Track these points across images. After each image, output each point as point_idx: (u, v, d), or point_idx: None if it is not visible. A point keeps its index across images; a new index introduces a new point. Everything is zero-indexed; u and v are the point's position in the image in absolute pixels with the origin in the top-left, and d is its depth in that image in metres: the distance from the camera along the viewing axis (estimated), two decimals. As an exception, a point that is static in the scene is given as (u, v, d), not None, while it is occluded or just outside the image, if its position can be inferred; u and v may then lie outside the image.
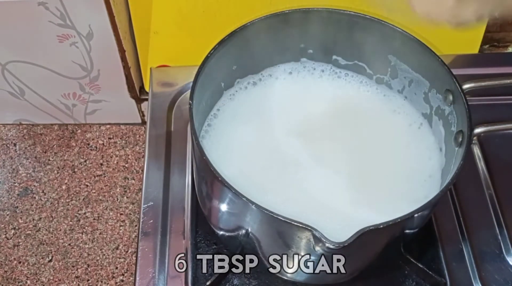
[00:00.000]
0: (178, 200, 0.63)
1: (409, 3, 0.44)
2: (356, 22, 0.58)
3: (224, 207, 0.52)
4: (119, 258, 0.76)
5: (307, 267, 0.54)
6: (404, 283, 0.59)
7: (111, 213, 0.79)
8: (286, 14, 0.58)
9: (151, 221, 0.62)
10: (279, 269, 0.57)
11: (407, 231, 0.53)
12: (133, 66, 0.77)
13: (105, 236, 0.77)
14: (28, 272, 0.75)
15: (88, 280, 0.74)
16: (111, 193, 0.80)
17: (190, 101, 0.50)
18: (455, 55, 0.76)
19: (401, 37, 0.57)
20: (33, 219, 0.78)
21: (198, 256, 0.60)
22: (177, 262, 0.59)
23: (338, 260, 0.52)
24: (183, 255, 0.60)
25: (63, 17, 0.68)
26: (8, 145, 0.85)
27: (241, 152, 0.60)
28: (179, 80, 0.73)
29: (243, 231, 0.53)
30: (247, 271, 0.59)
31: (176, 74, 0.75)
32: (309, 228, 0.43)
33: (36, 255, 0.76)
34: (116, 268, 0.75)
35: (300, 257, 0.51)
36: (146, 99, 0.79)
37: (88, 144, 0.85)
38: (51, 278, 0.74)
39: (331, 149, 0.61)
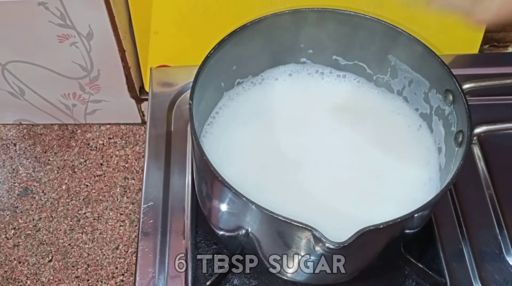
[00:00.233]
0: (178, 200, 0.63)
1: None
2: (356, 22, 0.58)
3: (224, 207, 0.52)
4: (119, 258, 0.76)
5: (307, 267, 0.54)
6: (404, 283, 0.59)
7: (111, 213, 0.79)
8: (286, 14, 0.58)
9: (151, 221, 0.62)
10: (279, 269, 0.57)
11: (407, 231, 0.53)
12: (133, 66, 0.77)
13: (105, 236, 0.77)
14: (28, 272, 0.75)
15: (88, 280, 0.74)
16: (111, 193, 0.80)
17: (190, 101, 0.50)
18: (455, 55, 0.76)
19: (401, 37, 0.57)
20: (33, 219, 0.78)
21: (198, 256, 0.60)
22: (177, 262, 0.59)
23: (338, 260, 0.52)
24: (183, 255, 0.60)
25: (63, 17, 0.68)
26: (8, 145, 0.85)
27: (241, 152, 0.60)
28: (179, 80, 0.73)
29: (243, 231, 0.53)
30: (247, 271, 0.59)
31: (176, 74, 0.75)
32: (309, 228, 0.43)
33: (36, 255, 0.76)
34: (116, 268, 0.75)
35: (300, 257, 0.51)
36: (146, 99, 0.79)
37: (88, 144, 0.85)
38: (51, 278, 0.74)
39: (331, 149, 0.61)
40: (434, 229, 0.62)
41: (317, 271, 0.55)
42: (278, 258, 0.55)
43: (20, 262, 0.75)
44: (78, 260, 0.75)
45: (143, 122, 0.86)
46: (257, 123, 0.62)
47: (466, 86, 0.53)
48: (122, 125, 0.86)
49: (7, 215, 0.79)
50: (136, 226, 0.78)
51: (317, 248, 0.44)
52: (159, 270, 0.59)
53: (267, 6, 0.70)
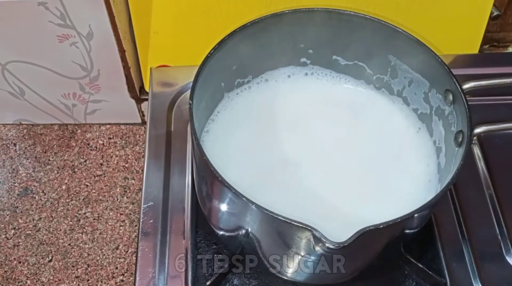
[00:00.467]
0: (178, 200, 0.63)
1: None
2: (356, 22, 0.58)
3: (224, 207, 0.52)
4: (119, 258, 0.76)
5: (307, 267, 0.54)
6: (404, 283, 0.59)
7: (111, 213, 0.79)
8: (286, 14, 0.58)
9: (151, 221, 0.62)
10: (279, 269, 0.57)
11: (407, 231, 0.53)
12: (133, 66, 0.77)
13: (105, 236, 0.77)
14: (28, 272, 0.75)
15: (88, 280, 0.74)
16: (111, 193, 0.80)
17: (190, 101, 0.50)
18: (455, 55, 0.76)
19: (401, 37, 0.57)
20: (33, 219, 0.78)
21: (198, 256, 0.60)
22: (177, 262, 0.59)
23: (338, 260, 0.52)
24: (183, 255, 0.60)
25: (63, 17, 0.68)
26: (8, 145, 0.85)
27: (241, 153, 0.60)
28: (179, 80, 0.73)
29: (243, 231, 0.53)
30: (247, 271, 0.59)
31: (176, 74, 0.75)
32: (309, 228, 0.43)
33: (36, 255, 0.76)
34: (116, 268, 0.75)
35: (300, 257, 0.51)
36: (146, 99, 0.79)
37: (88, 144, 0.85)
38: (51, 278, 0.74)
39: (330, 150, 0.61)
40: (434, 229, 0.62)
41: (317, 271, 0.55)
42: (278, 258, 0.55)
43: (20, 262, 0.75)
44: (78, 260, 0.75)
45: (143, 122, 0.86)
46: (257, 124, 0.62)
47: (466, 86, 0.53)
48: (122, 125, 0.86)
49: (7, 215, 0.79)
50: (136, 226, 0.78)
51: (317, 248, 0.44)
52: (159, 270, 0.59)
53: (267, 6, 0.70)
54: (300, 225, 0.44)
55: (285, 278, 0.58)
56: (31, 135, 0.86)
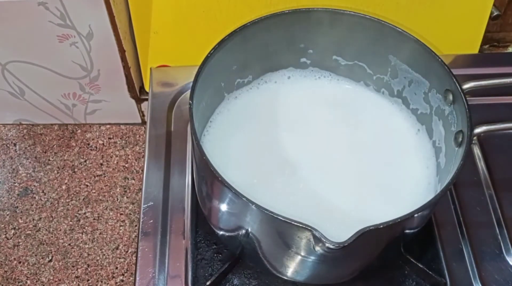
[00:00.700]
0: (178, 200, 0.63)
1: None
2: (356, 22, 0.58)
3: (224, 207, 0.52)
4: (119, 258, 0.76)
5: (307, 267, 0.54)
6: (404, 283, 0.59)
7: (111, 213, 0.79)
8: (286, 14, 0.58)
9: (151, 221, 0.62)
10: (279, 269, 0.57)
11: (407, 231, 0.53)
12: (133, 66, 0.77)
13: (105, 236, 0.77)
14: (28, 272, 0.75)
15: (88, 280, 0.74)
16: (111, 193, 0.80)
17: (190, 101, 0.50)
18: (455, 55, 0.76)
19: (401, 37, 0.57)
20: (33, 219, 0.78)
21: (198, 256, 0.60)
22: (177, 262, 0.59)
23: (338, 260, 0.52)
24: (183, 255, 0.60)
25: (63, 17, 0.68)
26: (8, 145, 0.85)
27: (241, 153, 0.60)
28: (179, 80, 0.73)
29: (243, 231, 0.53)
30: (247, 271, 0.59)
31: (176, 74, 0.75)
32: (309, 228, 0.43)
33: (36, 255, 0.76)
34: (116, 268, 0.75)
35: (300, 257, 0.51)
36: (146, 99, 0.79)
37: (88, 144, 0.85)
38: (51, 278, 0.74)
39: (330, 151, 0.61)
40: (434, 229, 0.62)
41: (317, 271, 0.55)
42: (278, 258, 0.55)
43: (20, 262, 0.75)
44: (78, 260, 0.75)
45: (143, 122, 0.86)
46: (257, 124, 0.62)
47: (466, 86, 0.53)
48: (122, 125, 0.86)
49: (7, 215, 0.79)
50: (136, 226, 0.78)
51: (317, 248, 0.44)
52: (159, 270, 0.59)
53: (267, 6, 0.70)
54: (300, 225, 0.44)
55: (285, 278, 0.58)
56: (31, 135, 0.86)
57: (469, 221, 0.62)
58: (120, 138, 0.85)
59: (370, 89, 0.65)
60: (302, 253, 0.50)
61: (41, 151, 0.84)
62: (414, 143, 0.61)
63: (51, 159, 0.83)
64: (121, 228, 0.78)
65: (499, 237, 0.61)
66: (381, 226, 0.44)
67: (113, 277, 0.74)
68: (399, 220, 0.45)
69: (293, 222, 0.44)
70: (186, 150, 0.68)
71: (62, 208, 0.79)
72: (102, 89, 0.80)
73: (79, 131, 0.86)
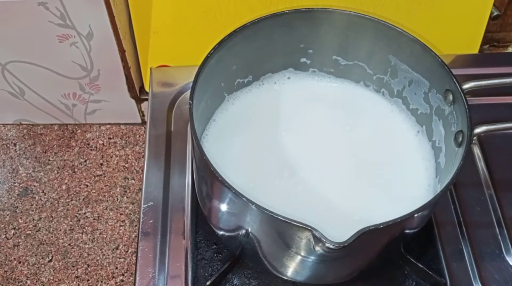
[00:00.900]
0: (178, 200, 0.63)
1: None
2: (356, 22, 0.58)
3: (224, 207, 0.52)
4: (119, 258, 0.76)
5: (307, 267, 0.54)
6: (404, 283, 0.59)
7: (111, 213, 0.79)
8: (286, 14, 0.58)
9: (151, 221, 0.62)
10: (279, 269, 0.57)
11: (407, 231, 0.53)
12: (133, 66, 0.77)
13: (105, 236, 0.77)
14: (28, 272, 0.75)
15: (88, 280, 0.74)
16: (111, 193, 0.80)
17: (190, 101, 0.50)
18: (455, 55, 0.76)
19: (401, 37, 0.57)
20: (33, 219, 0.78)
21: (198, 256, 0.60)
22: (177, 262, 0.59)
23: (338, 260, 0.52)
24: (183, 255, 0.60)
25: (63, 17, 0.68)
26: (8, 145, 0.85)
27: (241, 153, 0.60)
28: (179, 80, 0.73)
29: (243, 231, 0.53)
30: (247, 271, 0.59)
31: (176, 74, 0.75)
32: (309, 228, 0.43)
33: (36, 255, 0.76)
34: (116, 268, 0.75)
35: (300, 257, 0.51)
36: (146, 99, 0.79)
37: (88, 144, 0.85)
38: (51, 278, 0.74)
39: (330, 151, 0.61)
40: (434, 229, 0.62)
41: (317, 271, 0.55)
42: (278, 258, 0.55)
43: (20, 262, 0.75)
44: (78, 260, 0.75)
45: (143, 122, 0.86)
46: (257, 124, 0.62)
47: (466, 86, 0.53)
48: (122, 125, 0.86)
49: (7, 215, 0.79)
50: (136, 226, 0.78)
51: (317, 248, 0.44)
52: (159, 270, 0.59)
53: (267, 6, 0.70)
54: (300, 225, 0.44)
55: (285, 278, 0.58)
56: (31, 135, 0.86)
57: (469, 221, 0.62)
58: (120, 138, 0.85)
59: (370, 89, 0.65)
60: (302, 253, 0.50)
61: (41, 151, 0.84)
62: (414, 144, 0.61)
63: (51, 159, 0.83)
64: (121, 228, 0.78)
65: (499, 237, 0.61)
66: (381, 226, 0.44)
67: (113, 277, 0.74)
68: (399, 220, 0.45)
69: (293, 222, 0.44)
70: (186, 150, 0.68)
71: (62, 208, 0.79)
72: (102, 89, 0.80)
73: (79, 131, 0.86)
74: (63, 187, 0.81)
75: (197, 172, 0.59)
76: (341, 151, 0.61)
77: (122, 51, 0.73)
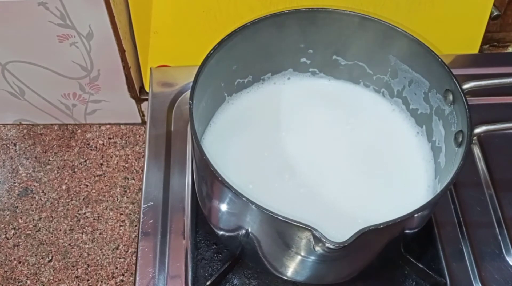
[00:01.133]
0: (178, 200, 0.63)
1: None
2: (356, 22, 0.58)
3: (224, 207, 0.52)
4: (119, 258, 0.76)
5: (307, 267, 0.54)
6: (404, 283, 0.59)
7: (111, 213, 0.79)
8: (286, 14, 0.58)
9: (151, 221, 0.62)
10: (279, 269, 0.57)
11: (407, 231, 0.53)
12: (133, 66, 0.77)
13: (105, 236, 0.77)
14: (28, 272, 0.75)
15: (88, 280, 0.74)
16: (111, 193, 0.80)
17: (190, 101, 0.50)
18: (455, 55, 0.76)
19: (401, 37, 0.57)
20: (33, 219, 0.78)
21: (198, 256, 0.60)
22: (177, 262, 0.59)
23: (338, 260, 0.52)
24: (183, 255, 0.60)
25: (63, 17, 0.68)
26: (8, 145, 0.85)
27: (241, 153, 0.60)
28: (179, 80, 0.73)
29: (243, 231, 0.53)
30: (247, 271, 0.59)
31: (176, 74, 0.75)
32: (309, 228, 0.43)
33: (36, 255, 0.76)
34: (116, 268, 0.75)
35: (300, 257, 0.51)
36: (146, 99, 0.79)
37: (88, 144, 0.85)
38: (51, 278, 0.74)
39: (330, 151, 0.61)
40: (434, 229, 0.62)
41: (317, 271, 0.55)
42: (278, 258, 0.55)
43: (20, 262, 0.75)
44: (78, 260, 0.75)
45: (143, 122, 0.86)
46: (257, 124, 0.62)
47: (466, 86, 0.53)
48: (122, 125, 0.86)
49: (7, 215, 0.79)
50: (136, 226, 0.78)
51: (317, 248, 0.44)
52: (159, 270, 0.59)
53: (267, 6, 0.70)
54: (300, 225, 0.44)
55: (285, 278, 0.58)
56: (31, 135, 0.86)
57: (469, 221, 0.62)
58: (120, 138, 0.85)
59: (370, 89, 0.65)
60: (302, 253, 0.50)
61: (41, 151, 0.84)
62: (414, 144, 0.61)
63: (51, 159, 0.83)
64: (121, 228, 0.78)
65: (499, 237, 0.61)
66: (381, 226, 0.44)
67: (113, 277, 0.74)
68: (399, 220, 0.45)
69: (293, 222, 0.44)
70: (186, 150, 0.68)
71: (62, 208, 0.79)
72: (102, 89, 0.80)
73: (79, 131, 0.86)
74: (63, 187, 0.81)
75: (197, 172, 0.59)
76: (341, 151, 0.61)
77: (122, 51, 0.73)
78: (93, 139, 0.85)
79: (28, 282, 0.74)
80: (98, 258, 0.76)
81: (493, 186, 0.65)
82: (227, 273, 0.59)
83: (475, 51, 0.78)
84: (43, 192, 0.81)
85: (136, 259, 0.60)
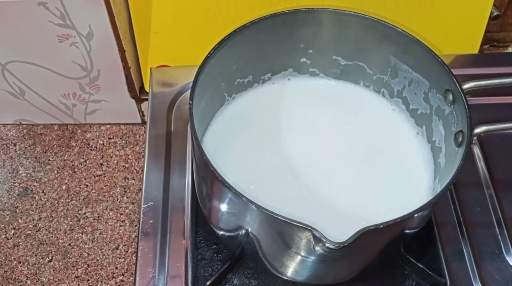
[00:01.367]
0: (178, 200, 0.63)
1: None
2: (356, 22, 0.58)
3: (224, 207, 0.52)
4: (119, 258, 0.76)
5: (307, 267, 0.54)
6: (404, 283, 0.59)
7: (111, 213, 0.79)
8: (286, 14, 0.58)
9: (151, 221, 0.62)
10: (279, 269, 0.57)
11: (407, 231, 0.53)
12: (133, 66, 0.77)
13: (105, 236, 0.77)
14: (28, 272, 0.75)
15: (88, 280, 0.74)
16: (111, 193, 0.80)
17: (190, 101, 0.50)
18: (455, 55, 0.76)
19: (401, 37, 0.57)
20: (33, 219, 0.78)
21: (198, 256, 0.60)
22: (177, 262, 0.59)
23: (338, 260, 0.52)
24: (183, 255, 0.60)
25: (63, 17, 0.68)
26: (8, 145, 0.85)
27: (241, 153, 0.60)
28: (179, 80, 0.73)
29: (243, 231, 0.53)
30: (247, 271, 0.59)
31: (176, 74, 0.75)
32: (309, 228, 0.43)
33: (36, 255, 0.76)
34: (116, 268, 0.75)
35: (300, 257, 0.51)
36: (146, 99, 0.79)
37: (88, 144, 0.85)
38: (51, 278, 0.74)
39: (330, 151, 0.61)
40: (434, 229, 0.62)
41: (317, 271, 0.55)
42: (278, 258, 0.55)
43: (20, 262, 0.75)
44: (78, 260, 0.75)
45: (143, 122, 0.86)
46: (257, 124, 0.62)
47: (466, 86, 0.53)
48: (122, 125, 0.86)
49: (7, 215, 0.79)
50: (136, 226, 0.78)
51: (317, 248, 0.44)
52: (159, 270, 0.59)
53: (267, 6, 0.70)
54: (300, 225, 0.44)
55: (285, 278, 0.58)
56: (31, 135, 0.86)
57: (469, 221, 0.62)
58: (120, 138, 0.85)
59: (370, 89, 0.65)
60: (302, 253, 0.50)
61: (41, 151, 0.84)
62: (414, 144, 0.61)
63: (51, 159, 0.83)
64: (121, 228, 0.78)
65: (499, 237, 0.61)
66: (381, 226, 0.44)
67: (113, 277, 0.74)
68: (399, 220, 0.45)
69: (293, 222, 0.44)
70: (186, 150, 0.68)
71: (62, 208, 0.79)
72: (102, 89, 0.80)
73: (79, 131, 0.86)
74: (63, 187, 0.81)
75: (197, 172, 0.59)
76: (341, 152, 0.61)
77: (122, 51, 0.73)
78: (93, 139, 0.85)
79: (28, 282, 0.74)
80: (98, 258, 0.76)
81: (493, 186, 0.65)
82: (227, 273, 0.59)
83: (475, 51, 0.78)
84: (43, 192, 0.81)
85: (136, 259, 0.60)
